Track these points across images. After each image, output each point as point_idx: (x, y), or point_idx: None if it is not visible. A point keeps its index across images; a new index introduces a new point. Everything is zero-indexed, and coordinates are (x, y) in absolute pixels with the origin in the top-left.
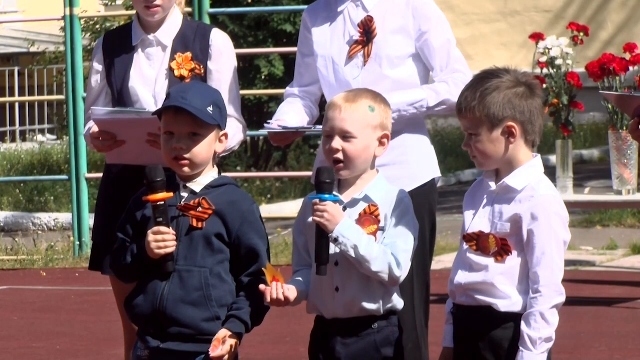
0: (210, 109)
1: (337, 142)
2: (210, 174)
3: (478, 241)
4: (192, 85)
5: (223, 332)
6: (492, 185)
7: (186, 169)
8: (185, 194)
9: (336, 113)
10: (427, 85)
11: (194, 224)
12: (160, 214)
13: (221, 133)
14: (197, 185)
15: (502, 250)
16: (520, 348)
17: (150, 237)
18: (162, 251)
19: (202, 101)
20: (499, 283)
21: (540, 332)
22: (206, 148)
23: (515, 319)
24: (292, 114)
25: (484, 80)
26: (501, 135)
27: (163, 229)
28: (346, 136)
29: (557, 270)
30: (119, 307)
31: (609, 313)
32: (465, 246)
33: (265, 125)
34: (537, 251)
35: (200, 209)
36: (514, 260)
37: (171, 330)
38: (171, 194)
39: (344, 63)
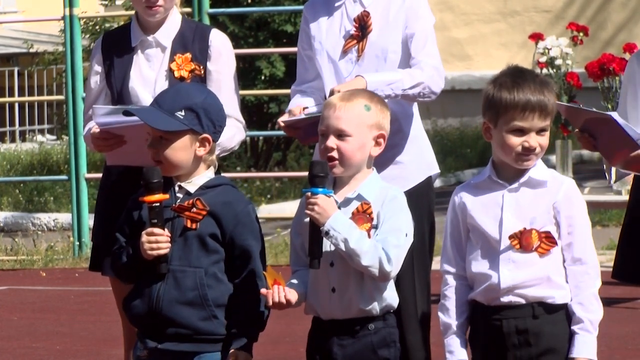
0: (180, 113)
1: (332, 141)
2: (205, 174)
3: (521, 239)
4: (176, 87)
5: (232, 353)
6: (507, 183)
7: (162, 171)
8: (180, 195)
9: (331, 112)
10: (402, 69)
11: (188, 224)
12: (155, 215)
13: (201, 137)
14: (191, 186)
15: (545, 243)
16: (580, 333)
17: (144, 238)
18: (155, 252)
19: (172, 105)
20: (553, 274)
21: (596, 313)
22: (177, 152)
23: (564, 309)
24: (310, 99)
25: (532, 74)
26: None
27: (156, 230)
28: (341, 135)
29: (594, 251)
30: (119, 308)
31: (608, 313)
32: (503, 246)
33: (285, 116)
34: (577, 235)
35: (194, 209)
36: (557, 250)
37: (168, 330)
38: (167, 196)
39: (339, 57)
